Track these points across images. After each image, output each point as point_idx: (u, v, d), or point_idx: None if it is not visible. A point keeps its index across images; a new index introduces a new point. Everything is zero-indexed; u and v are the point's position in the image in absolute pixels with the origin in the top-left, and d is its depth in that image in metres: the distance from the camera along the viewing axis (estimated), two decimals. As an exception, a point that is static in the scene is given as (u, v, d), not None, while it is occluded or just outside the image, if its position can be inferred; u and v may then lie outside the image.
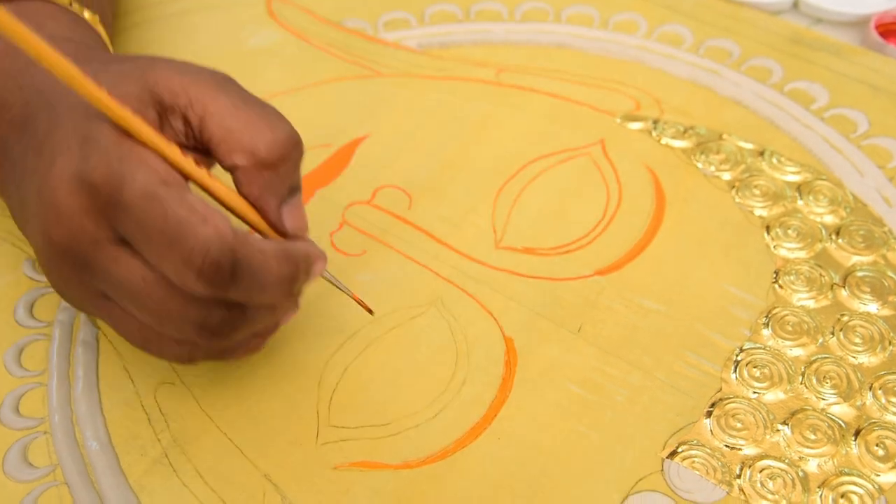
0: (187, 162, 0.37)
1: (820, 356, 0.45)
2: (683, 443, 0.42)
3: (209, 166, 0.40)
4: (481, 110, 0.58)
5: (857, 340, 0.45)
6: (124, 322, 0.39)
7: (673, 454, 0.42)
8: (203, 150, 0.40)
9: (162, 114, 0.38)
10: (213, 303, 0.37)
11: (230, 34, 0.65)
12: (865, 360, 0.44)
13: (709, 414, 0.43)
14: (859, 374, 0.44)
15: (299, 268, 0.39)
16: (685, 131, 0.56)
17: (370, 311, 0.46)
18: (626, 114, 0.57)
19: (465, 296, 0.48)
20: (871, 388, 0.43)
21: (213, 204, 0.37)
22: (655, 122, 0.57)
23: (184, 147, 0.39)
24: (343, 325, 0.47)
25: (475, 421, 0.43)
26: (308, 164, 0.55)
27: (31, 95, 0.41)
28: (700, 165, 0.54)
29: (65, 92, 0.38)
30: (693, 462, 0.41)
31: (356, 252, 0.50)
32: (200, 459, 0.42)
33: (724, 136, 0.55)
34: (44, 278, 0.50)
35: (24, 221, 0.40)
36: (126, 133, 0.36)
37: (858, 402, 0.43)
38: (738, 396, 0.43)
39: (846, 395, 0.43)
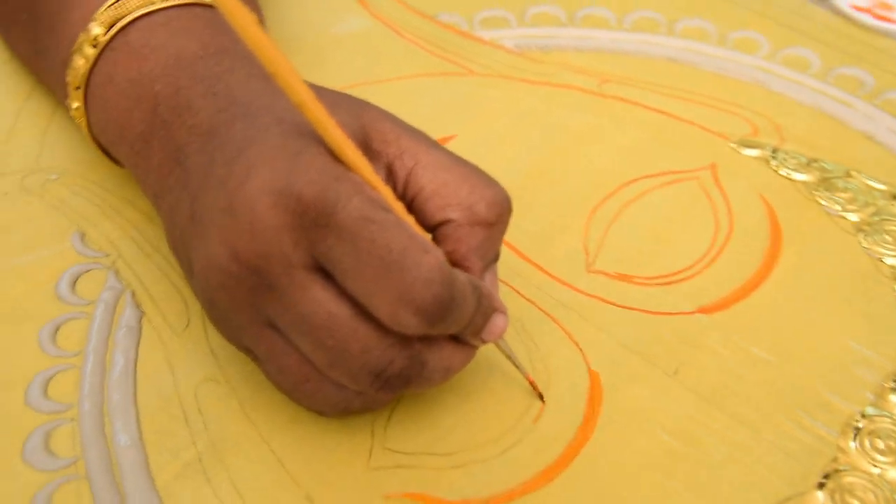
0: (398, 203, 0.35)
1: (956, 432, 0.38)
2: (791, 515, 0.36)
3: None
4: (580, 120, 0.53)
5: None
6: (283, 357, 0.35)
7: (778, 527, 0.36)
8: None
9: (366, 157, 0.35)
10: (397, 349, 0.34)
11: (317, 18, 0.61)
12: None
13: (821, 486, 0.37)
14: None
15: (482, 304, 0.35)
16: (808, 163, 0.50)
17: (541, 398, 0.40)
18: (742, 139, 0.52)
19: (549, 320, 0.43)
20: None
21: None
22: (775, 150, 0.51)
23: None
24: (410, 338, 0.42)
25: (549, 462, 0.38)
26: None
27: (226, 103, 0.38)
28: (824, 203, 0.48)
29: (268, 105, 0.36)
30: (801, 540, 0.35)
31: (431, 259, 0.45)
32: (237, 469, 0.37)
33: (853, 173, 0.49)
34: (92, 252, 0.45)
35: (195, 237, 0.35)
36: (340, 160, 0.33)
37: None
38: (857, 469, 0.37)
39: None
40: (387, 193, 0.34)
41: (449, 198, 0.36)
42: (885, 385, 0.40)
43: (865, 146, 0.51)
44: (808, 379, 0.41)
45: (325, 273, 0.33)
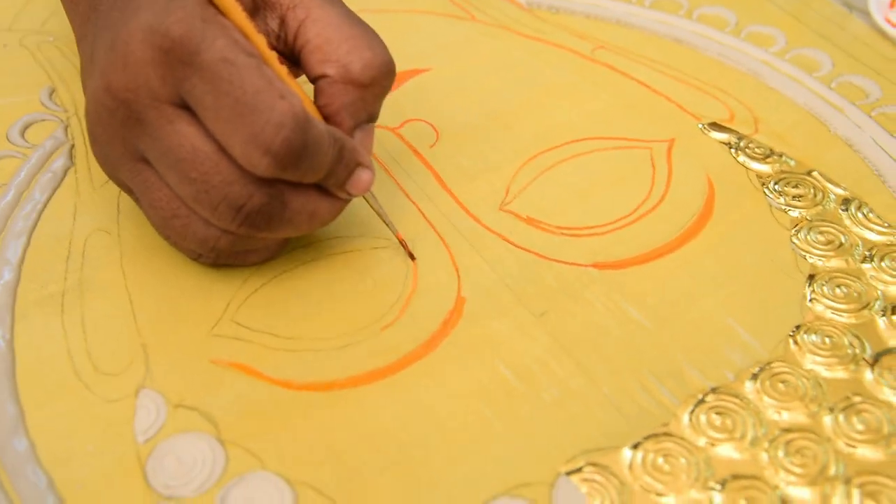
0: (269, 52, 0.36)
1: (804, 429, 0.36)
2: (592, 464, 0.35)
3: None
4: (558, 78, 0.53)
5: (860, 427, 0.37)
6: (155, 191, 0.37)
7: (574, 472, 0.35)
8: (289, 59, 0.39)
9: (259, 8, 0.38)
10: (258, 185, 0.35)
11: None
12: (859, 451, 0.36)
13: (636, 445, 0.36)
14: (843, 465, 0.35)
15: (343, 158, 0.37)
16: (769, 156, 0.48)
17: (412, 257, 0.42)
18: (714, 122, 0.50)
19: (441, 244, 0.43)
20: (847, 483, 0.35)
21: None
22: (741, 138, 0.49)
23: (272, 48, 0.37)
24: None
25: (378, 366, 0.38)
26: (354, 79, 0.51)
27: None
28: (769, 194, 0.46)
29: None
30: (592, 487, 0.34)
31: (354, 170, 0.46)
32: (91, 309, 0.39)
33: (815, 174, 0.47)
34: (54, 106, 0.49)
35: (88, 76, 0.38)
36: (213, 4, 0.35)
37: (825, 491, 0.34)
38: (682, 438, 0.36)
39: (812, 480, 0.35)
40: (257, 40, 0.35)
41: (328, 54, 0.37)
42: (749, 370, 0.38)
43: (841, 151, 0.49)
44: (673, 348, 0.39)
45: (191, 110, 0.35)
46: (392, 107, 0.50)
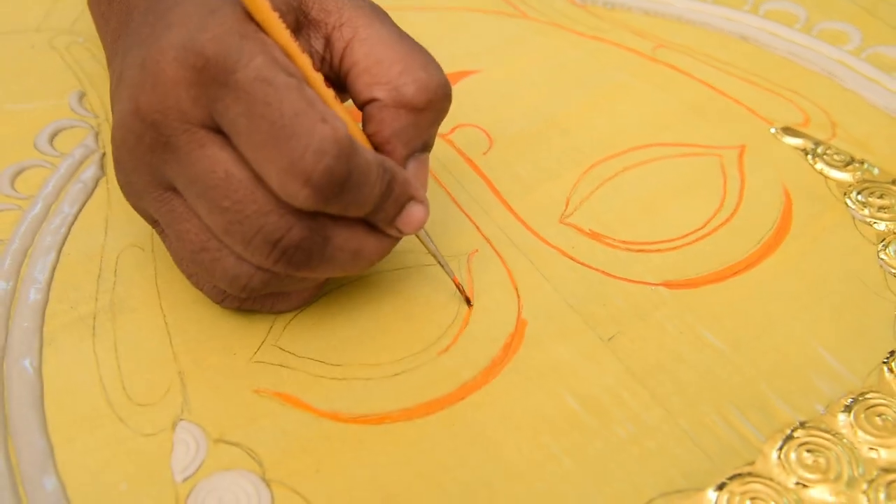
0: (314, 73, 0.32)
1: (906, 470, 0.33)
2: (672, 509, 0.32)
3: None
4: (617, 80, 0.49)
5: (968, 468, 0.33)
6: (184, 221, 0.34)
7: (652, 518, 0.32)
8: (335, 83, 0.35)
9: (302, 26, 0.34)
10: (297, 217, 0.31)
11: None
12: (968, 495, 0.32)
13: (721, 486, 0.32)
14: (952, 511, 0.32)
15: (394, 191, 0.33)
16: (850, 163, 0.44)
17: (469, 303, 0.38)
18: (788, 126, 0.46)
19: (498, 260, 0.40)
20: (959, 533, 0.31)
21: None
22: (818, 143, 0.45)
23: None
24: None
25: (435, 397, 0.35)
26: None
27: None
28: (851, 205, 0.42)
29: None
30: (674, 536, 0.31)
31: (403, 180, 0.43)
32: (125, 332, 0.37)
33: (900, 182, 0.43)
34: (83, 112, 0.46)
35: (116, 98, 0.35)
36: (254, 20, 0.32)
37: (933, 544, 0.31)
38: (769, 479, 0.33)
39: (919, 529, 0.31)
40: (301, 60, 0.32)
41: (378, 76, 0.33)
42: (841, 401, 0.35)
43: (927, 158, 0.45)
44: (755, 377, 0.36)
45: (224, 135, 0.32)
46: (441, 111, 0.47)
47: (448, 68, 0.49)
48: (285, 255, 0.32)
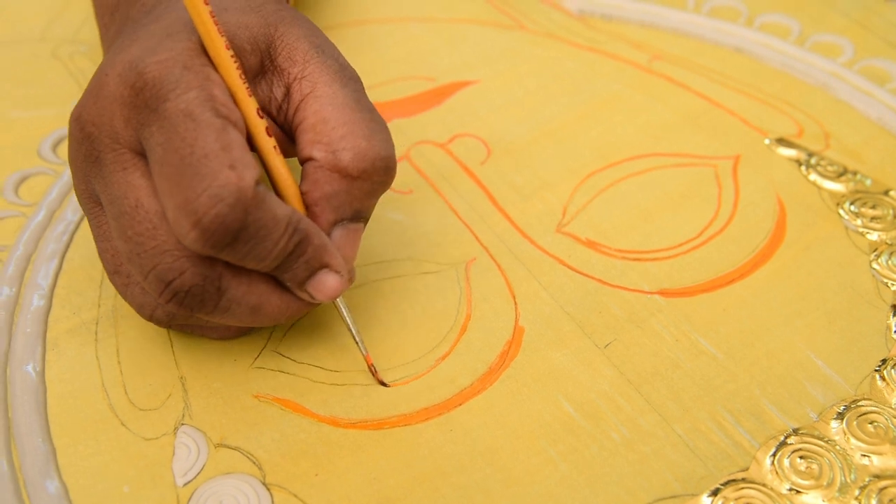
0: (257, 119, 0.32)
1: (897, 476, 0.33)
2: (667, 514, 0.32)
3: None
4: (613, 90, 0.50)
5: (959, 474, 0.33)
6: (104, 239, 0.34)
7: (647, 522, 0.32)
8: (288, 135, 0.35)
9: (266, 70, 0.34)
10: (192, 262, 0.31)
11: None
12: (959, 501, 0.33)
13: (715, 492, 0.33)
14: (942, 516, 0.32)
15: (305, 252, 0.32)
16: (843, 174, 0.45)
17: (383, 384, 0.36)
18: (782, 137, 0.47)
19: (495, 269, 0.40)
20: (949, 538, 0.32)
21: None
22: (811, 154, 0.46)
23: (269, 115, 0.34)
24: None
25: (433, 402, 0.35)
26: (400, 92, 0.49)
27: None
28: (844, 215, 0.43)
29: None
30: (668, 540, 0.31)
31: (402, 189, 0.44)
32: (127, 338, 0.37)
33: (893, 192, 0.44)
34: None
35: None
36: (207, 55, 0.32)
37: (924, 549, 0.31)
38: (763, 485, 0.33)
39: (910, 534, 0.32)
40: (246, 104, 0.32)
41: (321, 135, 0.33)
42: (834, 409, 0.35)
43: (919, 169, 0.46)
44: (749, 383, 0.36)
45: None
46: (439, 121, 0.48)
47: (447, 78, 0.50)
48: (176, 296, 0.31)
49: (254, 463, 0.33)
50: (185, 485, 0.33)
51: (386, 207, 0.43)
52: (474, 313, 0.39)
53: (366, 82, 0.48)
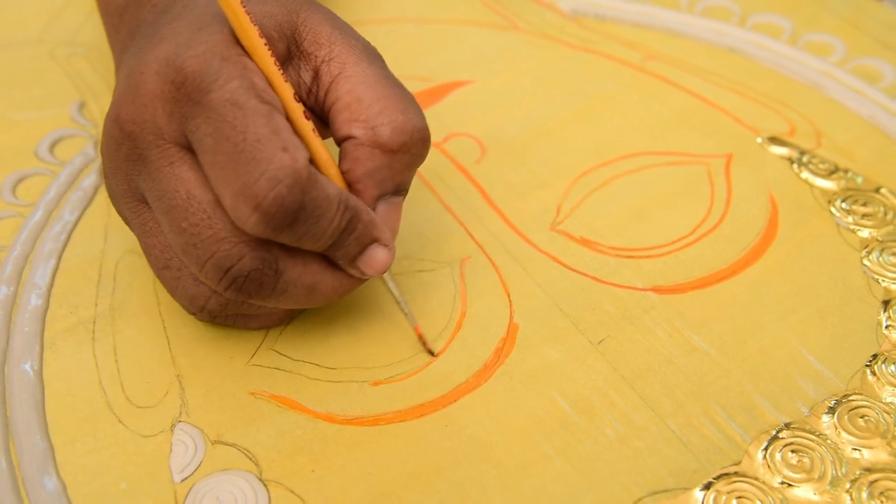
0: (294, 104, 0.33)
1: (888, 469, 0.34)
2: (660, 508, 0.33)
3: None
4: (607, 90, 0.50)
5: (949, 467, 0.34)
6: (151, 236, 0.35)
7: (641, 516, 0.32)
8: (319, 117, 0.35)
9: (293, 56, 0.35)
10: (251, 247, 0.32)
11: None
12: (949, 493, 0.33)
13: (708, 486, 0.33)
14: (932, 509, 0.33)
15: (356, 229, 0.33)
16: (835, 172, 0.45)
17: (431, 353, 0.37)
18: (774, 136, 0.47)
19: (490, 267, 0.41)
20: (939, 530, 0.32)
21: None
22: (803, 153, 0.46)
23: (301, 102, 0.34)
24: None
25: (428, 399, 0.36)
26: (395, 92, 0.49)
27: None
28: (836, 213, 0.43)
29: None
30: (661, 534, 0.32)
31: (397, 188, 0.44)
32: (124, 337, 0.37)
33: (883, 190, 0.44)
34: (84, 121, 0.47)
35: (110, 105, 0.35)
36: (240, 45, 0.32)
37: (914, 541, 0.32)
38: (755, 479, 0.33)
39: (901, 526, 0.32)
40: (283, 89, 0.32)
41: (357, 113, 0.33)
42: (825, 403, 0.36)
43: (910, 166, 0.46)
44: (741, 379, 0.37)
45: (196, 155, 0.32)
46: (435, 120, 0.48)
47: (442, 79, 0.50)
48: (235, 283, 0.32)
49: (250, 459, 0.34)
50: (183, 481, 0.33)
51: (381, 206, 0.43)
52: (469, 310, 0.39)
53: (361, 82, 0.49)
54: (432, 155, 0.46)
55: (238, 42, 0.32)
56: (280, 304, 0.34)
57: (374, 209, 0.34)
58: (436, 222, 0.42)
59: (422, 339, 0.37)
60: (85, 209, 0.42)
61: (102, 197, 0.43)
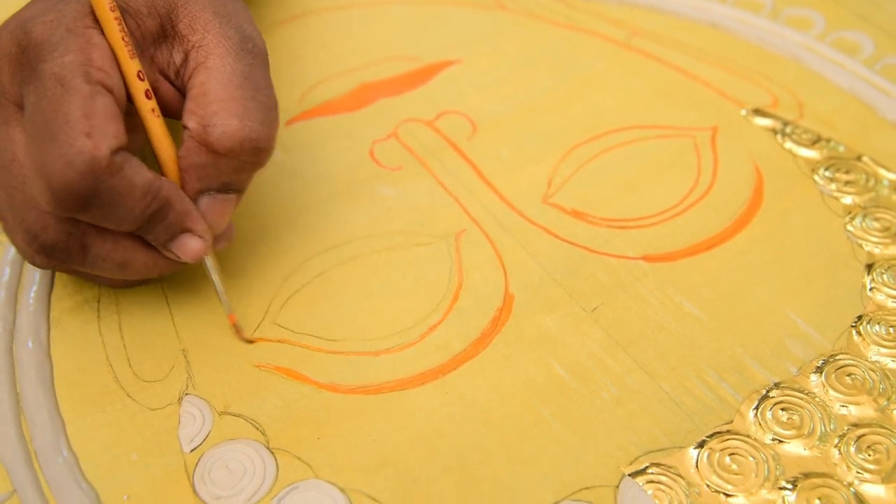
0: (138, 82, 0.33)
1: (874, 424, 0.35)
2: (657, 465, 0.34)
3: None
4: (593, 67, 0.51)
5: (932, 421, 0.35)
6: None
7: (638, 473, 0.33)
8: (184, 97, 0.35)
9: (168, 35, 0.35)
10: (56, 219, 0.33)
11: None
12: (933, 445, 0.34)
13: (701, 444, 0.34)
14: (917, 460, 0.34)
15: (166, 218, 0.33)
16: (817, 141, 0.46)
17: (248, 342, 0.37)
18: (758, 108, 0.49)
19: (485, 239, 0.42)
20: (924, 480, 0.33)
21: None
22: (786, 123, 0.48)
23: (168, 79, 0.35)
24: (337, 229, 0.42)
25: (428, 367, 0.37)
26: (385, 72, 0.50)
27: None
28: (819, 181, 0.44)
29: None
30: (658, 489, 0.33)
31: (391, 166, 0.45)
32: (128, 312, 0.38)
33: (865, 158, 0.46)
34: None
35: None
36: (94, 17, 0.33)
37: (900, 490, 0.33)
38: (747, 436, 0.34)
39: (888, 477, 0.33)
40: (128, 66, 0.33)
41: (198, 107, 0.34)
42: (813, 363, 0.37)
43: (890, 135, 0.47)
44: (732, 342, 0.38)
45: None
46: (425, 99, 0.49)
47: (431, 59, 0.51)
48: (43, 250, 0.33)
49: (257, 429, 0.34)
50: (192, 451, 0.34)
51: (376, 183, 0.44)
52: (465, 282, 0.40)
53: (351, 64, 0.50)
54: (424, 132, 0.47)
55: (94, 14, 0.32)
56: (99, 274, 0.35)
57: (195, 201, 0.35)
58: (430, 198, 0.43)
59: (236, 328, 0.37)
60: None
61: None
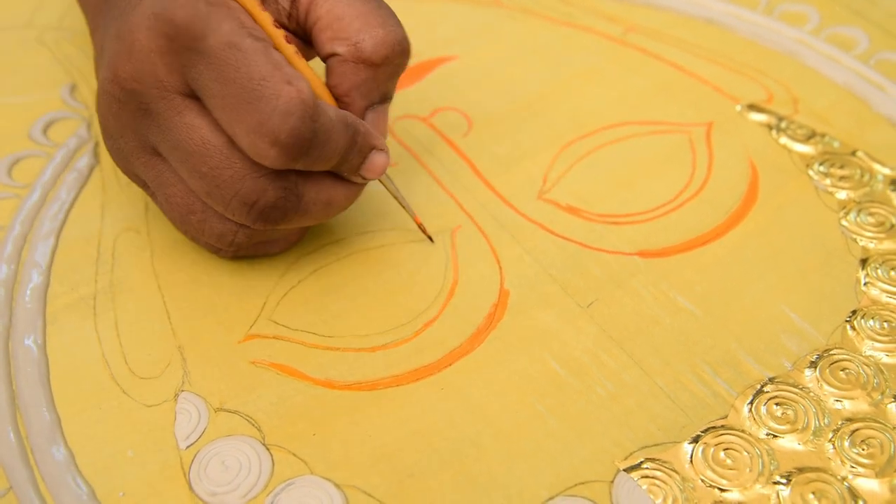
0: (275, 30, 0.34)
1: (868, 418, 0.35)
2: (651, 460, 0.34)
3: (306, 58, 0.36)
4: (589, 63, 0.51)
5: (926, 415, 0.35)
6: (170, 186, 0.36)
7: (633, 468, 0.33)
8: (302, 38, 0.37)
9: None
10: (270, 179, 0.34)
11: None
12: (926, 440, 0.34)
13: (696, 439, 0.34)
14: (911, 454, 0.34)
15: (356, 143, 0.35)
16: (812, 137, 0.47)
17: (430, 239, 0.41)
18: (753, 103, 0.49)
19: (480, 235, 0.42)
20: (918, 474, 0.33)
21: None
22: (781, 119, 0.48)
23: (281, 25, 0.36)
24: (333, 226, 0.42)
25: (424, 363, 0.37)
26: (381, 68, 0.50)
27: None
28: (814, 176, 0.45)
29: None
30: (653, 484, 0.33)
31: (386, 162, 0.45)
32: (125, 311, 0.38)
33: (860, 153, 0.46)
34: (75, 104, 0.48)
35: (99, 68, 0.36)
36: None
37: (895, 483, 0.33)
38: (742, 431, 0.35)
39: (882, 471, 0.33)
40: (262, 19, 0.34)
41: (339, 31, 0.35)
42: (807, 358, 0.37)
43: (885, 130, 0.47)
44: (726, 337, 0.38)
45: (201, 101, 0.33)
46: (420, 96, 0.49)
47: (426, 55, 0.51)
48: (262, 214, 0.34)
49: (253, 425, 0.35)
50: (188, 447, 0.34)
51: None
52: (461, 278, 0.40)
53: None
54: (420, 128, 0.47)
55: None
56: (303, 224, 0.36)
57: (363, 118, 0.37)
58: (426, 194, 0.43)
59: (421, 227, 0.40)
60: (81, 189, 0.43)
61: (97, 177, 0.44)
